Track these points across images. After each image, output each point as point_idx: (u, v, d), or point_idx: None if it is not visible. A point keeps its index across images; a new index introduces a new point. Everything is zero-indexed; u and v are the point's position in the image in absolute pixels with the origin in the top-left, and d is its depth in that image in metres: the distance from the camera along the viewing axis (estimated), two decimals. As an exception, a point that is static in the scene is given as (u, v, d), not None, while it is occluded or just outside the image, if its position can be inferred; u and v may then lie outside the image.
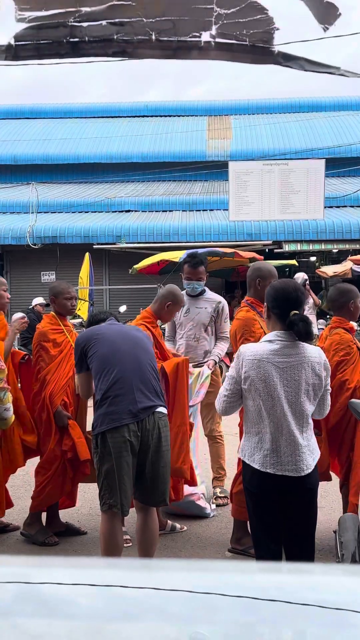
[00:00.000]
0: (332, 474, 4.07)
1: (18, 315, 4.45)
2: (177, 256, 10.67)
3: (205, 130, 20.64)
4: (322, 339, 4.06)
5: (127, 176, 19.27)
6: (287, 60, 1.85)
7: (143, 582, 1.21)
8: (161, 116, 22.35)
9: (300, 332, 2.78)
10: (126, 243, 14.98)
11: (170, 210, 16.99)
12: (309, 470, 2.83)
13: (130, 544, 4.07)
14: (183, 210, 16.94)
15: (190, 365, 4.48)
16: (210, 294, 5.07)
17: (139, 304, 14.21)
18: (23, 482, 5.23)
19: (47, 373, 4.18)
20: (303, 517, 2.91)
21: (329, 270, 13.32)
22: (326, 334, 4.05)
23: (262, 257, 12.12)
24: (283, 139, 19.76)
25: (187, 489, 4.43)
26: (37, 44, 1.81)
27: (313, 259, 16.73)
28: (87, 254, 14.14)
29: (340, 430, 3.85)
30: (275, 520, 2.91)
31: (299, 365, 2.80)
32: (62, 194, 18.18)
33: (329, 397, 3.00)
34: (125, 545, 3.81)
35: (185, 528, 4.47)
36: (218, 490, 5.02)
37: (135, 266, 12.74)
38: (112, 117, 22.30)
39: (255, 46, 1.80)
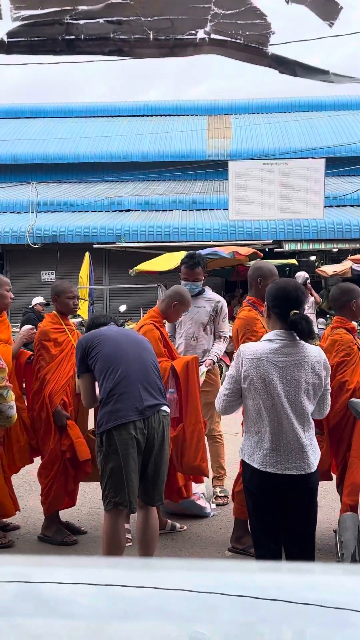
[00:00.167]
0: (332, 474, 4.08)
1: (28, 326, 4.49)
2: (177, 264, 10.66)
3: (205, 130, 20.64)
4: (325, 339, 4.07)
5: (127, 175, 19.27)
6: (279, 63, 1.86)
7: (143, 582, 1.21)
8: (161, 115, 22.35)
9: (303, 331, 2.79)
10: (126, 242, 14.98)
11: (170, 210, 16.99)
12: (312, 470, 2.83)
13: (131, 544, 4.07)
14: (183, 210, 16.94)
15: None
16: (209, 294, 5.08)
17: (139, 303, 14.23)
18: (23, 481, 5.23)
19: (47, 372, 4.18)
20: (303, 516, 2.91)
21: (328, 269, 13.32)
22: (328, 334, 4.05)
23: (262, 254, 12.14)
24: (283, 139, 19.76)
25: (187, 489, 4.44)
26: (30, 41, 1.80)
27: (313, 258, 16.74)
28: (87, 254, 14.15)
29: (339, 430, 3.86)
30: (275, 520, 2.91)
31: (298, 364, 2.80)
32: (62, 194, 18.18)
33: (329, 397, 3.00)
34: (126, 544, 3.82)
35: (185, 527, 4.47)
36: (218, 489, 5.02)
37: (135, 267, 12.73)
38: (112, 116, 22.30)
39: (249, 45, 1.80)
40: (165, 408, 3.49)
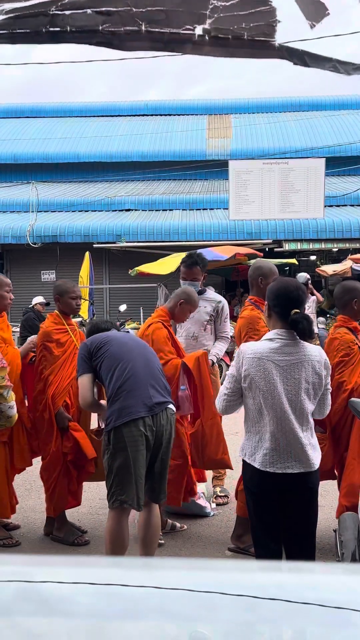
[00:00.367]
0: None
1: (35, 337, 4.50)
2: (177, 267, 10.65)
3: (205, 129, 20.63)
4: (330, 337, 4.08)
5: (127, 175, 19.27)
6: (291, 55, 1.74)
7: (143, 581, 1.21)
8: (161, 115, 22.35)
9: (303, 330, 2.79)
10: (126, 242, 14.98)
11: (170, 209, 16.99)
12: (312, 469, 2.83)
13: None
14: (183, 209, 16.94)
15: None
16: (210, 294, 5.08)
17: (139, 303, 14.22)
18: (23, 481, 5.23)
19: (50, 373, 4.17)
20: (303, 516, 2.91)
21: (328, 269, 13.34)
22: (332, 333, 4.06)
23: (261, 254, 12.13)
24: (283, 138, 19.75)
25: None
26: (12, 33, 1.70)
27: (313, 257, 16.74)
28: (87, 253, 14.15)
29: (338, 430, 3.87)
30: (275, 520, 2.91)
31: (299, 363, 2.80)
32: (62, 193, 18.18)
33: (329, 397, 3.00)
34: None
35: (185, 527, 4.47)
36: (218, 489, 5.02)
37: (136, 268, 12.72)
38: (112, 116, 22.30)
39: (255, 40, 1.69)
40: (172, 406, 3.53)
